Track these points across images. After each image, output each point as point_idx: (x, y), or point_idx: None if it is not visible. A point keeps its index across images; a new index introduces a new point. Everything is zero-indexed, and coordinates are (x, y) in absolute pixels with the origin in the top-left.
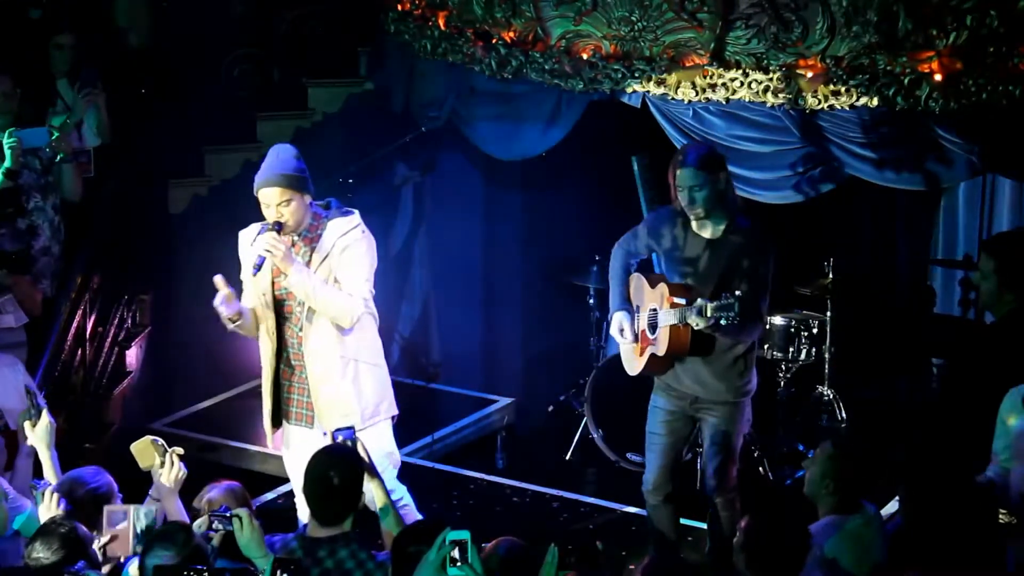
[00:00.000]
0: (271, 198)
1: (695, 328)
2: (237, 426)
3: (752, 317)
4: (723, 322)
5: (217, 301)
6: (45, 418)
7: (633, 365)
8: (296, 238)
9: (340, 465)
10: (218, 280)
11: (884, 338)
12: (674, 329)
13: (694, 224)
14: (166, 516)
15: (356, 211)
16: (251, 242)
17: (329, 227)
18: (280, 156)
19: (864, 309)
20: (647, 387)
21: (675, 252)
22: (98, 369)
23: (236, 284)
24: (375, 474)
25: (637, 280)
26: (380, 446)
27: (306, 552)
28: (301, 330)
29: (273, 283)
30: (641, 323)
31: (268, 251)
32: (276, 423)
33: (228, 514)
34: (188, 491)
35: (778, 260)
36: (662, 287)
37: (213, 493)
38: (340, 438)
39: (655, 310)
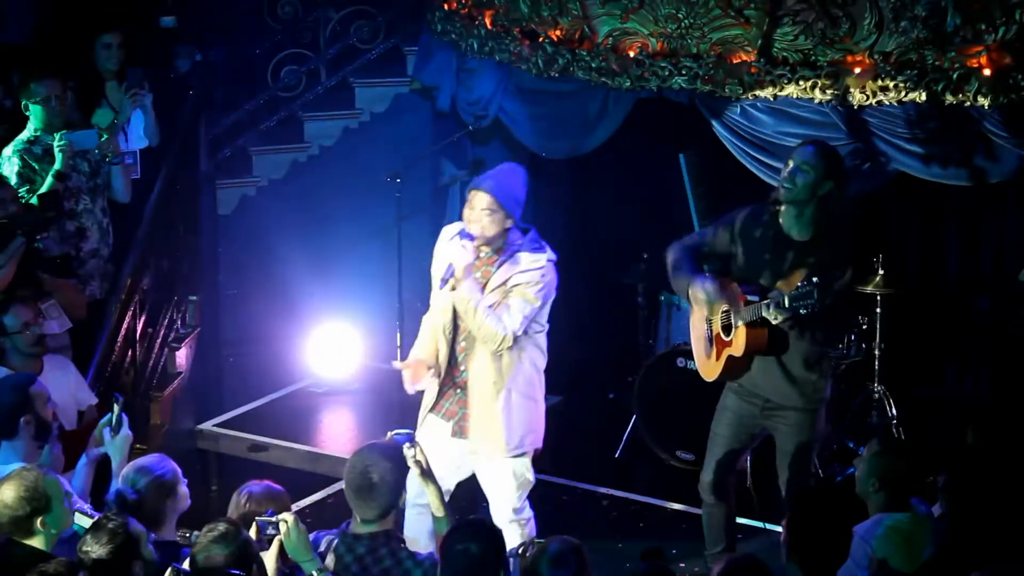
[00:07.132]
0: (479, 202)
1: (773, 322)
2: (287, 426)
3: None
4: (803, 311)
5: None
6: (126, 430)
7: (709, 371)
8: (483, 253)
9: (380, 463)
10: (396, 364)
11: (934, 335)
12: (750, 327)
13: (783, 223)
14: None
15: (547, 249)
16: (449, 237)
17: (519, 258)
18: (510, 170)
19: (914, 306)
20: (696, 386)
21: (762, 251)
22: (148, 370)
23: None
24: (431, 479)
25: None
26: (522, 474)
27: (347, 549)
28: (465, 341)
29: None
30: (715, 327)
31: (456, 258)
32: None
33: (274, 518)
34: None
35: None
36: (734, 287)
37: (250, 499)
38: (405, 445)
39: (728, 311)
